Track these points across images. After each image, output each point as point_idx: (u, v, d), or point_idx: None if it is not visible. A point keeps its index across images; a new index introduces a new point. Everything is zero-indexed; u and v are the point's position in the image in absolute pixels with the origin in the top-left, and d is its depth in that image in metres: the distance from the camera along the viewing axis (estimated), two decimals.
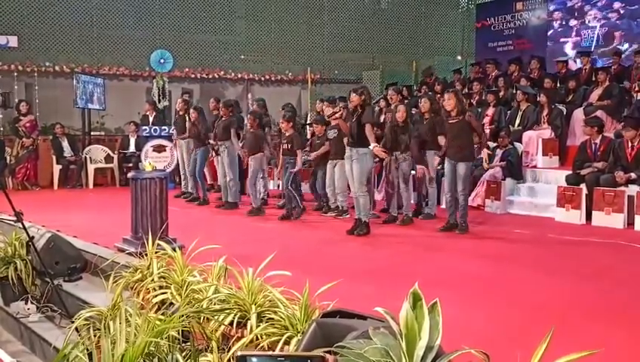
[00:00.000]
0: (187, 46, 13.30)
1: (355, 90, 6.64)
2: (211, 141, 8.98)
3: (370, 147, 6.44)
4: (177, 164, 10.37)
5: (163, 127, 11.04)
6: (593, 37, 11.73)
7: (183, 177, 10.02)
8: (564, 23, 12.28)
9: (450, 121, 6.66)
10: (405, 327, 1.91)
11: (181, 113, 9.90)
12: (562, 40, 12.30)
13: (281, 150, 8.16)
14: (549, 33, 12.55)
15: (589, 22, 11.86)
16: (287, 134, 7.80)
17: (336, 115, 6.83)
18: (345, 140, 6.81)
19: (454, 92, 6.88)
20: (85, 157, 11.65)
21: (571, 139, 9.24)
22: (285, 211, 7.69)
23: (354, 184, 6.63)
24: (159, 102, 12.28)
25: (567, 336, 2.79)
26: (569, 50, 12.21)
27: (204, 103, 10.91)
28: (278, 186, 10.14)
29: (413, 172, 8.02)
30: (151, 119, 11.55)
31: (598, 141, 7.69)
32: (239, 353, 1.25)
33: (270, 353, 1.28)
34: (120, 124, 12.72)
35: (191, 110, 9.46)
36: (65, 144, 11.54)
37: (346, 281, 3.64)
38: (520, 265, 5.20)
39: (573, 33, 12.13)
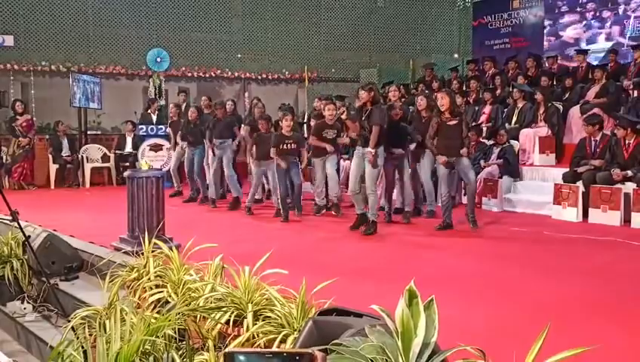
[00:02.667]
0: (184, 45, 13.27)
1: (363, 87, 6.55)
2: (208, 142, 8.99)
3: (368, 149, 6.32)
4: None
5: (160, 126, 11.02)
6: (630, 27, 11.41)
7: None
8: (597, 14, 11.95)
9: (448, 123, 6.61)
10: (401, 325, 1.90)
11: (174, 119, 9.89)
12: (598, 31, 11.91)
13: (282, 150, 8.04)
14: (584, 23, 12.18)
15: (624, 12, 11.59)
16: (290, 134, 7.72)
17: (343, 116, 6.80)
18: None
19: (447, 92, 6.89)
20: (82, 156, 11.62)
21: (568, 137, 9.26)
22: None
23: (355, 182, 6.60)
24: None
25: (564, 334, 2.79)
26: (602, 41, 11.85)
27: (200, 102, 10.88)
28: None
29: None
30: (154, 118, 11.47)
31: (598, 138, 7.70)
32: (227, 350, 1.23)
33: (258, 350, 1.26)
34: (117, 123, 12.68)
35: (190, 109, 9.43)
36: (64, 143, 11.52)
37: (342, 279, 3.63)
38: (517, 263, 5.20)
39: (608, 24, 11.81)
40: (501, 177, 8.41)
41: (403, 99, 10.85)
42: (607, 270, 4.96)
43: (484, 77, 11.79)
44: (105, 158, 11.93)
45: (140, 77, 13.01)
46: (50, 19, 12.10)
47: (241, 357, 1.21)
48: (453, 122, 6.58)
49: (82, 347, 2.96)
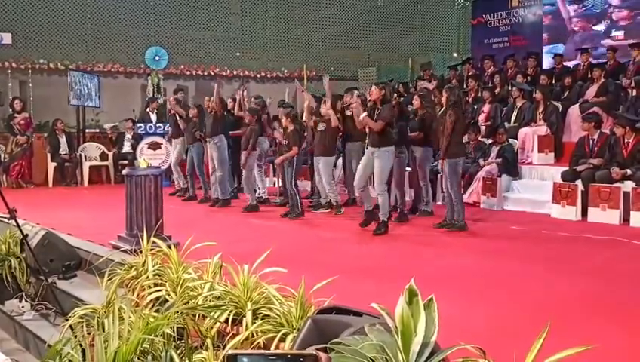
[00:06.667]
0: (182, 43, 13.25)
1: (376, 84, 6.60)
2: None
3: (361, 117, 6.37)
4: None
5: (158, 125, 11.00)
6: None
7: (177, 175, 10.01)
8: None
9: (442, 117, 6.69)
10: (401, 323, 1.89)
11: (171, 113, 9.87)
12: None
13: (280, 147, 8.05)
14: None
15: None
16: (287, 130, 7.75)
17: (352, 105, 6.78)
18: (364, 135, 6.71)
19: (445, 88, 6.88)
20: (80, 154, 11.60)
21: (567, 136, 9.25)
22: (289, 208, 7.63)
23: (360, 180, 6.59)
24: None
25: (564, 332, 2.78)
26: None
27: (200, 101, 10.86)
28: (274, 183, 10.12)
29: (408, 168, 8.03)
30: (153, 117, 11.40)
31: (595, 137, 7.70)
32: (229, 352, 1.21)
33: (261, 352, 1.23)
34: (115, 121, 12.66)
35: (191, 107, 9.44)
36: (62, 141, 11.49)
37: (342, 278, 3.62)
38: (517, 262, 5.19)
39: None
40: (500, 176, 8.40)
41: (401, 98, 10.87)
42: (607, 269, 4.95)
43: (484, 75, 11.77)
44: (103, 157, 11.91)
45: (139, 75, 12.99)
46: (48, 17, 12.08)
47: (245, 359, 1.19)
48: (442, 117, 6.63)
49: (80, 345, 2.94)
